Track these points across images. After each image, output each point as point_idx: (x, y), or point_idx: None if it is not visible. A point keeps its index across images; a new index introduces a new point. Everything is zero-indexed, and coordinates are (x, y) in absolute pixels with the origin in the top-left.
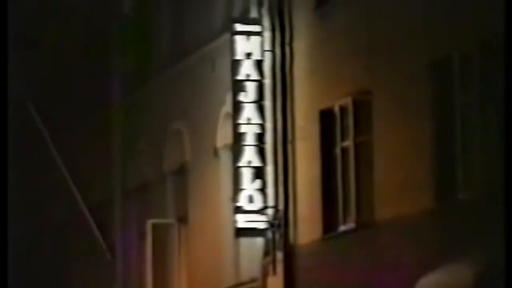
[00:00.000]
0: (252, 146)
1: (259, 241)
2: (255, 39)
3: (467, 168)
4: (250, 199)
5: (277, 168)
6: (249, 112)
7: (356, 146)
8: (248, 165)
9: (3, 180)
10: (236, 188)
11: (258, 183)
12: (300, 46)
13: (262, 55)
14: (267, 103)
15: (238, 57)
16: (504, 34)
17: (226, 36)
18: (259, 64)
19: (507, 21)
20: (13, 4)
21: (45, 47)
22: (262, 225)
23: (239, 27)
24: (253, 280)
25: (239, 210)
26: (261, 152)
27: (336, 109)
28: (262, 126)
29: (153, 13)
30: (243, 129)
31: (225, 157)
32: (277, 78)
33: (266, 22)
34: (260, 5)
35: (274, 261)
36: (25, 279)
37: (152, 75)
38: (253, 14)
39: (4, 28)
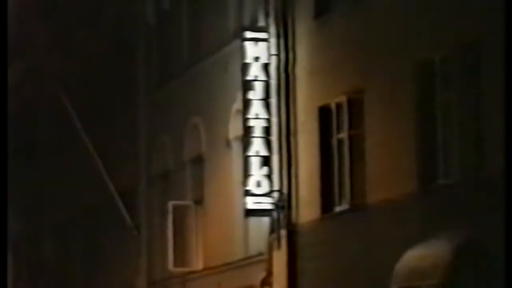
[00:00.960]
0: (259, 138)
1: (266, 220)
2: (262, 44)
3: (446, 158)
4: (258, 184)
5: (282, 157)
6: (257, 108)
7: (350, 138)
8: (256, 154)
9: (3, 181)
10: (246, 174)
11: (265, 170)
12: (302, 51)
13: (269, 58)
14: (273, 100)
15: (247, 60)
16: (490, 37)
17: (237, 42)
18: (266, 66)
19: (506, 23)
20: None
21: (82, 53)
22: (268, 206)
23: (248, 34)
24: (260, 254)
25: (248, 193)
26: (267, 143)
27: (333, 106)
28: (268, 120)
29: (174, 24)
30: (251, 123)
31: (236, 147)
32: (282, 78)
33: (272, 30)
34: (267, 15)
35: (278, 238)
36: (63, 255)
37: (173, 76)
38: (261, 23)
39: (4, 29)
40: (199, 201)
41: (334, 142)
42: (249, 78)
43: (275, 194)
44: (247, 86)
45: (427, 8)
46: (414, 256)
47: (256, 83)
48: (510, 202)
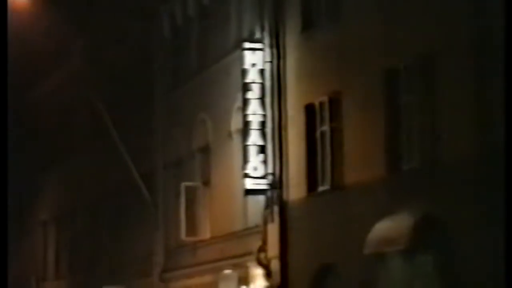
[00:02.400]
0: (256, 130)
1: (261, 198)
2: (258, 53)
3: (408, 148)
4: (255, 168)
5: (275, 146)
6: (254, 106)
7: (331, 130)
8: (253, 144)
9: (3, 181)
10: (245, 160)
11: (260, 157)
12: (290, 59)
13: (264, 65)
14: (267, 99)
15: (246, 66)
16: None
17: (238, 51)
18: (261, 71)
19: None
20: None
21: (111, 61)
22: (263, 187)
23: (247, 45)
24: (257, 226)
25: (247, 176)
26: (263, 135)
27: (317, 104)
28: (264, 116)
29: (186, 37)
30: (250, 118)
31: (237, 138)
32: (274, 81)
33: (266, 41)
34: (262, 29)
35: (272, 212)
36: (95, 226)
37: (184, 80)
38: (257, 35)
39: (4, 29)
40: (206, 183)
41: (318, 134)
42: (247, 81)
43: (269, 177)
44: (246, 87)
45: (393, 24)
46: (383, 227)
47: (253, 85)
48: (463, 183)
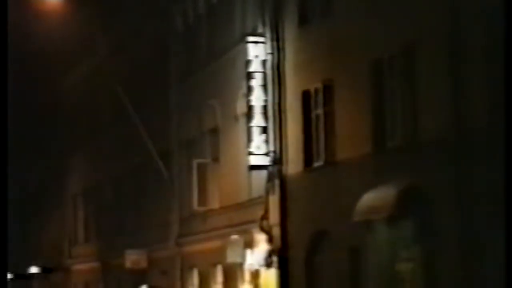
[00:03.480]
0: (259, 114)
1: (264, 172)
2: (261, 46)
3: (392, 127)
4: (258, 147)
5: (275, 127)
6: (257, 92)
7: (324, 113)
8: (256, 125)
9: (3, 180)
10: (249, 140)
11: (263, 136)
12: (289, 51)
13: (265, 56)
14: (269, 86)
15: (250, 58)
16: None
17: (242, 44)
18: (263, 62)
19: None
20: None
21: (132, 53)
22: (266, 163)
23: (250, 38)
24: (260, 197)
25: (251, 153)
26: (265, 117)
27: (312, 90)
28: (265, 101)
29: (196, 32)
30: (253, 103)
31: (242, 121)
32: (275, 71)
33: (267, 35)
34: (264, 25)
35: (273, 185)
36: (118, 198)
37: (196, 70)
38: (260, 30)
39: (4, 29)
40: (215, 159)
41: (313, 116)
42: (251, 70)
43: (271, 154)
44: (249, 76)
45: (377, 19)
46: (370, 198)
47: (256, 74)
48: (439, 158)
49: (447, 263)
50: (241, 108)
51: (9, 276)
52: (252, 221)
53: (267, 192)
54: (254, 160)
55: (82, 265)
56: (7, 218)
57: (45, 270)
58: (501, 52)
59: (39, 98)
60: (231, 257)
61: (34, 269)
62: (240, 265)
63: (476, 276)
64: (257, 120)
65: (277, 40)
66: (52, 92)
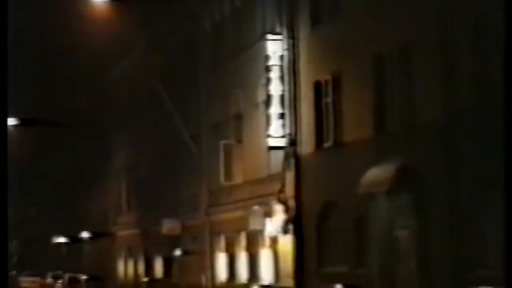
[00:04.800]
0: (276, 101)
1: (281, 152)
2: (278, 43)
3: (392, 113)
4: (276, 130)
5: (291, 113)
6: (275, 83)
7: (333, 101)
8: (274, 111)
9: (3, 179)
10: (268, 124)
11: (280, 121)
12: (303, 48)
13: (282, 52)
14: (285, 78)
15: (269, 53)
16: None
17: (262, 41)
18: (281, 57)
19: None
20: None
21: (165, 50)
22: (282, 144)
23: (269, 36)
24: (277, 173)
25: (270, 136)
26: (282, 104)
27: (322, 81)
28: (282, 90)
29: (222, 30)
30: (271, 92)
31: (262, 108)
32: (290, 64)
33: (284, 33)
34: (281, 24)
35: (289, 163)
36: (154, 174)
37: (222, 63)
38: (277, 29)
39: (4, 28)
40: (239, 141)
41: (323, 104)
42: (269, 64)
43: (287, 137)
44: (268, 69)
45: (380, 20)
46: (372, 174)
47: (274, 67)
48: (433, 140)
49: (437, 230)
50: (261, 96)
51: (64, 239)
52: (271, 194)
53: (284, 169)
54: (272, 142)
55: (125, 231)
56: (7, 218)
57: (94, 235)
58: (488, 46)
59: (89, 87)
60: (253, 225)
61: (85, 234)
62: (261, 231)
63: (462, 239)
64: (275, 107)
65: (292, 38)
66: (99, 83)
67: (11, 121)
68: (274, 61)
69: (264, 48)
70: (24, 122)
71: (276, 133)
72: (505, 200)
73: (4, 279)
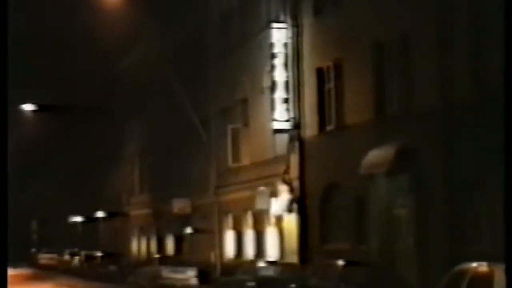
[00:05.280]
0: (281, 87)
1: (285, 135)
2: (283, 31)
3: (390, 98)
4: (281, 114)
5: (295, 98)
6: (279, 69)
7: (335, 86)
8: (279, 96)
9: (3, 179)
10: (273, 108)
11: (284, 105)
12: (306, 35)
13: (286, 39)
14: (289, 64)
15: (273, 41)
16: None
17: (267, 30)
18: (285, 44)
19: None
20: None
21: (177, 40)
22: (287, 127)
23: (274, 25)
24: (282, 155)
25: (275, 119)
26: (286, 90)
27: (325, 68)
28: (286, 76)
29: (230, 22)
30: (276, 78)
31: (267, 92)
32: (294, 51)
33: (288, 22)
34: (285, 14)
35: (293, 146)
36: (164, 157)
37: (229, 51)
38: (282, 18)
39: (4, 28)
40: (246, 125)
41: (326, 89)
42: (274, 51)
43: (291, 120)
44: (273, 56)
45: (379, 10)
46: (373, 155)
47: (279, 54)
48: (429, 123)
49: (434, 209)
50: (266, 82)
51: (80, 219)
52: (276, 175)
53: (288, 151)
54: (277, 125)
55: (138, 211)
56: (7, 215)
57: (109, 215)
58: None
59: (103, 74)
60: (259, 204)
61: (100, 214)
62: (267, 210)
63: (457, 218)
64: (280, 92)
65: (296, 27)
66: (113, 70)
67: (30, 107)
68: (278, 48)
69: (269, 36)
70: (43, 109)
71: (281, 117)
72: (505, 201)
73: (4, 277)
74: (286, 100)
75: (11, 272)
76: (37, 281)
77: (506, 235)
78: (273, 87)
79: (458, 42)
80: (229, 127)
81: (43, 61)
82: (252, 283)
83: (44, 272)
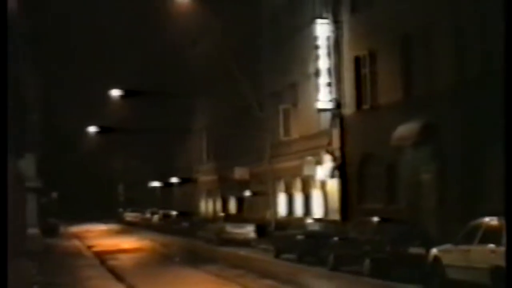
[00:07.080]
0: (325, 72)
1: (329, 113)
2: (325, 26)
3: (416, 82)
4: (324, 95)
5: (336, 81)
6: (322, 58)
7: (370, 72)
8: (323, 81)
9: (3, 178)
10: (317, 91)
11: (328, 89)
12: (345, 30)
13: (329, 33)
14: (331, 54)
15: (317, 34)
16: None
17: (312, 25)
18: (327, 37)
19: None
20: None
21: (234, 34)
22: (330, 106)
23: (318, 21)
24: (326, 130)
25: (319, 100)
26: (329, 75)
27: (361, 56)
28: (329, 63)
29: (277, 19)
30: (320, 66)
31: (312, 78)
32: (335, 43)
33: (330, 19)
34: (327, 11)
35: (335, 122)
36: (228, 134)
37: (282, 43)
38: (324, 15)
39: (4, 28)
40: (294, 105)
41: (362, 74)
42: (318, 43)
43: (333, 101)
44: (317, 47)
45: (406, 7)
46: (401, 129)
47: (322, 45)
48: (448, 102)
49: (452, 174)
50: (312, 69)
51: (158, 184)
52: (321, 147)
53: (331, 126)
54: (321, 105)
55: (205, 177)
56: (7, 212)
57: (182, 181)
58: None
59: (175, 62)
60: (307, 171)
61: (174, 179)
62: (313, 176)
63: (472, 180)
64: (323, 78)
65: (336, 22)
66: (183, 59)
67: (117, 92)
68: (322, 40)
69: (313, 30)
70: (127, 94)
71: (324, 98)
72: (505, 201)
73: (4, 278)
74: (328, 84)
75: (103, 227)
76: (124, 235)
77: (506, 235)
78: (317, 73)
79: (470, 31)
80: (281, 107)
81: (131, 54)
82: (302, 236)
83: (130, 227)
